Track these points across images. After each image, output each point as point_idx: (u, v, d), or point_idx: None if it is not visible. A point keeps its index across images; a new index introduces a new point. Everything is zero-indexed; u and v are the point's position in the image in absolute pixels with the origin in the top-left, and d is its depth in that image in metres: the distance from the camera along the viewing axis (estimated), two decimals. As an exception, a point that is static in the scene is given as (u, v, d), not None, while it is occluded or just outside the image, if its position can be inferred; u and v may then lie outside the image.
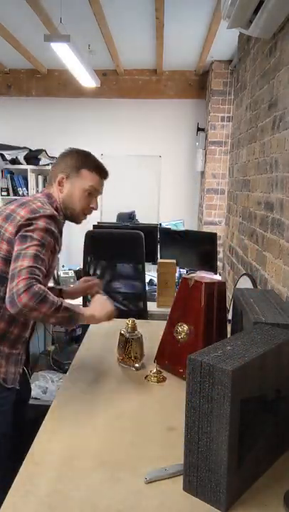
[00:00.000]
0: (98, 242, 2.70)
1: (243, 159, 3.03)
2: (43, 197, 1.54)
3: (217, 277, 3.29)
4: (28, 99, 5.33)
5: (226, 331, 1.57)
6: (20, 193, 5.03)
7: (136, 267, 2.69)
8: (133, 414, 1.30)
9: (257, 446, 0.97)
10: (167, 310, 1.66)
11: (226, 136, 4.69)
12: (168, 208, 5.39)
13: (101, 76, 4.99)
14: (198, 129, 5.12)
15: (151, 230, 3.44)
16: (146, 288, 2.74)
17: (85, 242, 2.67)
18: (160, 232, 3.57)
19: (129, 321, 1.64)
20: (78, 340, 3.09)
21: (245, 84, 3.11)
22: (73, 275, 3.40)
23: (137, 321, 1.67)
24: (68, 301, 1.41)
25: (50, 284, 3.21)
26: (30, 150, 5.07)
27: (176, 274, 2.77)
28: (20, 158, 4.96)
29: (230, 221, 3.62)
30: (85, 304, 2.55)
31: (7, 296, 1.28)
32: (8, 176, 5.03)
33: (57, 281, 3.25)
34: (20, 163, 4.97)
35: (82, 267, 2.83)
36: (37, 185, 5.05)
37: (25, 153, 5.01)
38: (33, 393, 2.54)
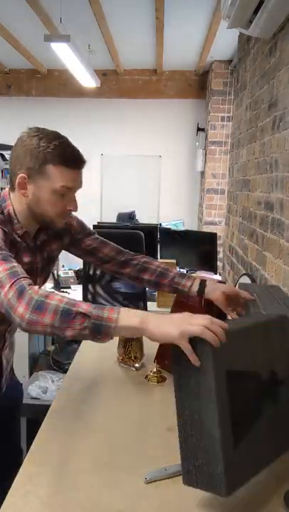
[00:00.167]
0: (98, 242, 2.69)
1: (243, 159, 3.03)
2: None
3: (217, 277, 3.29)
4: (28, 99, 5.33)
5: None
6: (20, 193, 5.02)
7: (136, 266, 2.68)
8: (133, 414, 1.30)
9: (255, 429, 0.97)
10: (167, 310, 1.66)
11: (226, 136, 4.69)
12: (168, 208, 5.39)
13: (101, 76, 4.99)
14: (198, 129, 5.12)
15: (151, 230, 3.44)
16: (147, 288, 2.74)
17: (85, 242, 2.66)
18: (160, 232, 3.57)
19: (129, 321, 1.63)
20: (78, 340, 3.09)
21: (245, 84, 3.11)
22: (73, 275, 3.40)
23: (137, 321, 1.66)
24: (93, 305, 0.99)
25: (50, 284, 3.24)
26: (30, 150, 5.07)
27: (176, 274, 2.77)
28: (20, 158, 4.95)
29: (230, 221, 3.62)
30: None
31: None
32: (8, 176, 5.03)
33: (57, 281, 3.26)
34: (20, 163, 4.96)
35: (82, 266, 2.83)
36: (37, 185, 5.05)
37: (25, 153, 5.00)
38: (33, 393, 2.54)
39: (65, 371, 2.69)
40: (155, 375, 1.52)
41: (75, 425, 1.23)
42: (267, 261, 2.17)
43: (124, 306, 2.72)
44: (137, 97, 5.26)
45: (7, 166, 5.02)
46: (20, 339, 2.07)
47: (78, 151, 1.22)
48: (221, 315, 1.49)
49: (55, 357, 3.25)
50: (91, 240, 1.52)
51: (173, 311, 1.51)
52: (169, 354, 1.58)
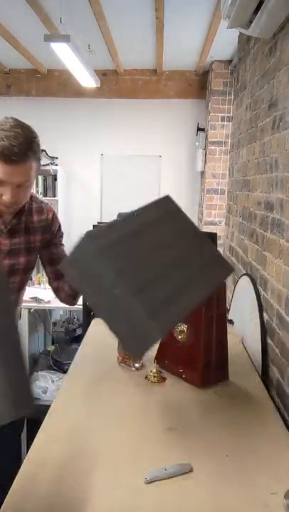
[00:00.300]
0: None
1: (243, 159, 3.03)
2: None
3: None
4: (28, 99, 5.33)
5: (226, 330, 1.57)
6: (20, 193, 5.02)
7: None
8: (133, 414, 1.29)
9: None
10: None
11: (226, 136, 4.69)
12: (168, 208, 5.38)
13: (101, 76, 4.99)
14: (198, 129, 5.12)
15: (151, 230, 3.43)
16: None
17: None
18: (160, 232, 3.56)
19: (129, 321, 1.63)
20: (78, 340, 3.09)
21: (245, 84, 3.11)
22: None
23: (137, 321, 1.66)
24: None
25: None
26: (30, 150, 5.07)
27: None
28: (20, 158, 4.95)
29: (230, 221, 3.62)
30: (88, 314, 2.42)
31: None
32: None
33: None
34: (20, 163, 4.96)
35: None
36: (36, 185, 5.05)
37: (25, 153, 5.00)
38: (33, 393, 2.54)
39: (65, 371, 2.70)
40: (155, 375, 1.52)
41: (75, 425, 1.23)
42: (267, 261, 2.17)
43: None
44: (137, 97, 5.26)
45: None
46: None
47: (15, 147, 1.25)
48: (220, 300, 1.50)
49: (55, 357, 3.26)
50: (61, 250, 1.61)
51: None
52: (169, 354, 1.58)
